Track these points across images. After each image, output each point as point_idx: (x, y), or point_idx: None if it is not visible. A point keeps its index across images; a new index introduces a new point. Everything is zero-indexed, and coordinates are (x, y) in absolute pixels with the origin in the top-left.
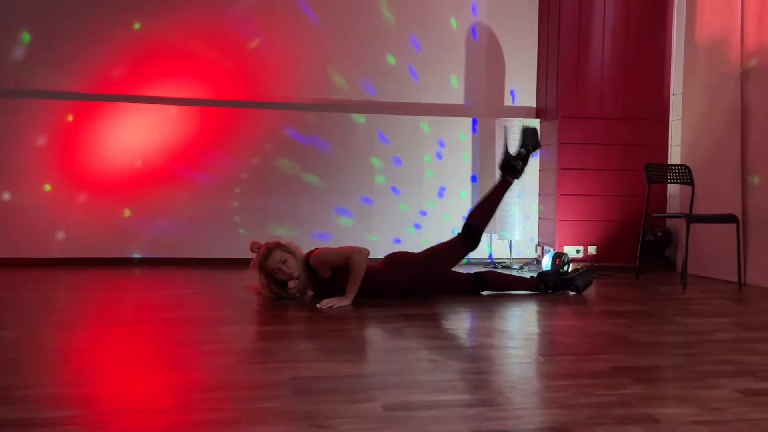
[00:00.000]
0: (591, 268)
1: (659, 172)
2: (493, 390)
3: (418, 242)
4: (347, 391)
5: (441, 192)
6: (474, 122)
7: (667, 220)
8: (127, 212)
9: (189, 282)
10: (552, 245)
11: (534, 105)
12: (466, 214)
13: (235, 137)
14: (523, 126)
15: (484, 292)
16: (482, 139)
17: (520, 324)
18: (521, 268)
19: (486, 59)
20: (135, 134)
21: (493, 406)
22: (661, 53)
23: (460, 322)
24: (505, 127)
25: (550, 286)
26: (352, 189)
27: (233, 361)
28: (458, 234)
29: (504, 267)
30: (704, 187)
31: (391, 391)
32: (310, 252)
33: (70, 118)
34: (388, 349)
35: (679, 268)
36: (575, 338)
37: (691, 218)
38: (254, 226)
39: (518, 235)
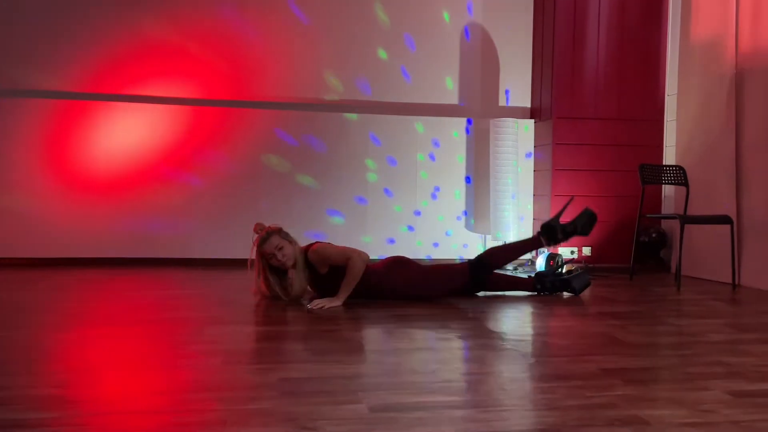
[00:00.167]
0: (585, 269)
1: (654, 172)
2: (482, 391)
3: (412, 243)
4: (334, 392)
5: (434, 193)
6: (469, 122)
7: (662, 221)
8: (120, 212)
9: (182, 282)
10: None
11: (529, 105)
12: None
13: (229, 137)
14: (588, 209)
15: (480, 293)
16: (476, 139)
17: (513, 325)
18: (515, 269)
19: (481, 59)
20: (128, 134)
21: (481, 407)
22: (656, 54)
23: (453, 323)
24: (572, 198)
25: (547, 287)
26: (346, 189)
27: (222, 361)
28: (468, 261)
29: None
30: (699, 188)
31: (378, 393)
32: (310, 245)
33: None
34: (378, 351)
35: (673, 270)
36: (567, 339)
37: (685, 219)
38: (247, 226)
39: (513, 235)
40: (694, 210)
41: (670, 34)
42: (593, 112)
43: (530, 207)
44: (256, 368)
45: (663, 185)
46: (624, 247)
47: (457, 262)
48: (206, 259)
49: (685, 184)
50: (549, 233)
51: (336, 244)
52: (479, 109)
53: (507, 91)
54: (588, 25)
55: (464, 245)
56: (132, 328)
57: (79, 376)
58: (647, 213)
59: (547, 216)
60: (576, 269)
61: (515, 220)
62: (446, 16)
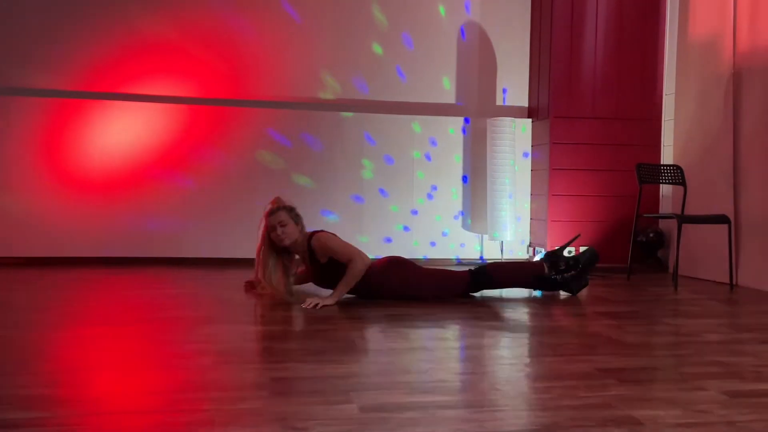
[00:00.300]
0: (593, 251)
1: (651, 172)
2: (475, 391)
3: (409, 242)
4: (326, 392)
5: (431, 192)
6: (466, 121)
7: (660, 220)
8: (116, 211)
9: (177, 281)
10: (543, 246)
11: (526, 104)
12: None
13: (225, 136)
14: (592, 248)
15: (476, 294)
16: (474, 139)
17: (509, 324)
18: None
19: (478, 58)
20: (123, 133)
21: (473, 407)
22: (654, 53)
23: (448, 323)
24: (578, 235)
25: (559, 270)
26: (342, 188)
27: (215, 361)
28: (469, 271)
29: None
30: (696, 187)
31: (370, 393)
32: (315, 231)
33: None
34: (371, 350)
35: (670, 269)
36: (563, 339)
37: (683, 219)
38: (243, 225)
39: (509, 235)
40: (691, 210)
41: (668, 33)
42: (591, 111)
43: (527, 207)
44: (249, 367)
45: (660, 185)
46: (621, 247)
47: (456, 269)
48: (201, 258)
49: (683, 183)
50: (553, 261)
51: None
52: (476, 108)
53: (504, 90)
54: (585, 24)
55: (461, 245)
56: (126, 327)
57: (72, 376)
58: (645, 213)
59: (544, 217)
60: (583, 253)
61: (512, 219)
62: (443, 13)
